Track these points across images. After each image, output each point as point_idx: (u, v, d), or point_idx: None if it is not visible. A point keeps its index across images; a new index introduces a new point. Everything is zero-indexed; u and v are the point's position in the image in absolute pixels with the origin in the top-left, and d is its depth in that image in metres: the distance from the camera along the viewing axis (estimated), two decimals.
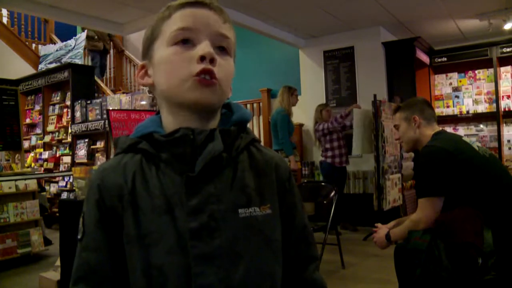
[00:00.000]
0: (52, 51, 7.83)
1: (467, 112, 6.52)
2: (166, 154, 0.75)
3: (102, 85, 7.68)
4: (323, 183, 4.27)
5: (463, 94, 6.62)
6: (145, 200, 0.73)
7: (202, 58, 0.74)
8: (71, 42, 7.65)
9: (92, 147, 6.34)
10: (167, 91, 0.78)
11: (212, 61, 0.75)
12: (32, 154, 7.37)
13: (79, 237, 0.76)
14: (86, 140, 6.38)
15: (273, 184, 0.82)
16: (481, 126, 6.47)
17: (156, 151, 0.76)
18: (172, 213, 0.72)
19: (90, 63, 8.17)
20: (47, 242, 4.83)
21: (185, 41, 0.76)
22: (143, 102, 5.33)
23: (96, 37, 7.88)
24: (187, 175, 0.73)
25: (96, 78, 7.47)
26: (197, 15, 0.77)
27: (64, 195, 6.55)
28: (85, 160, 6.30)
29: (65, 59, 7.43)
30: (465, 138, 2.20)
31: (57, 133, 7.15)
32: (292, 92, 5.46)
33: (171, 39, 0.76)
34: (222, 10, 0.81)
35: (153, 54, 0.80)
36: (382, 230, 2.27)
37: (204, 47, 0.75)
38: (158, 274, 0.70)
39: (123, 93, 6.58)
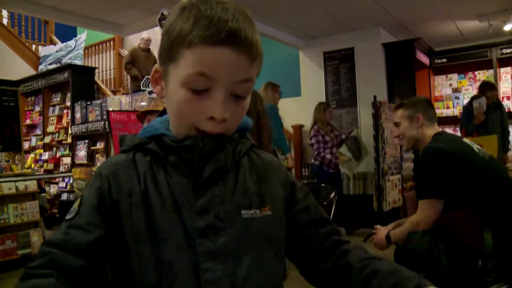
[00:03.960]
0: (52, 52, 7.84)
1: None
2: (174, 158, 0.77)
3: (102, 86, 7.68)
4: (322, 184, 4.27)
5: (463, 95, 6.63)
6: (156, 199, 0.75)
7: (212, 118, 0.73)
8: (71, 43, 7.66)
9: (92, 148, 6.35)
10: (173, 125, 0.81)
11: (223, 120, 0.74)
12: (32, 155, 7.39)
13: (69, 216, 0.75)
14: (86, 141, 6.39)
15: (275, 186, 0.86)
16: None
17: (164, 154, 0.78)
18: (180, 212, 0.75)
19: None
20: None
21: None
22: (143, 103, 5.34)
23: (141, 76, 6.72)
24: (194, 179, 0.76)
25: (96, 79, 7.46)
26: (221, 61, 0.70)
27: (64, 196, 6.56)
28: (85, 161, 6.31)
29: (65, 60, 7.44)
30: (465, 140, 2.20)
31: (57, 134, 7.16)
32: (276, 89, 5.11)
33: (186, 82, 0.72)
34: (253, 44, 0.72)
35: (168, 74, 0.76)
36: (381, 231, 2.27)
37: (216, 107, 0.72)
38: (168, 270, 0.72)
39: (123, 94, 6.58)
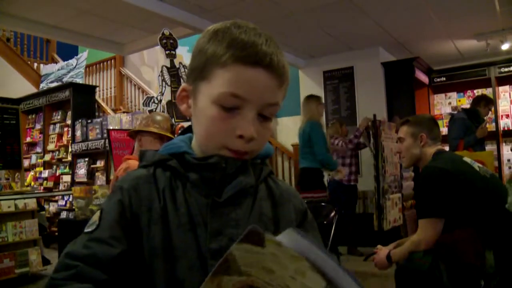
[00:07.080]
0: (53, 71, 7.88)
1: None
2: (195, 175, 0.78)
3: (103, 104, 7.71)
4: (323, 203, 4.24)
5: None
6: (173, 216, 0.76)
7: (241, 136, 0.75)
8: (73, 61, 7.71)
9: (92, 166, 6.35)
10: (202, 143, 0.80)
11: (250, 139, 0.75)
12: (32, 173, 7.37)
13: (90, 229, 0.74)
14: (86, 159, 6.39)
15: (290, 214, 0.86)
16: None
17: (185, 171, 0.79)
18: (195, 231, 0.75)
19: None
20: (46, 262, 4.79)
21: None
22: None
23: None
24: (213, 199, 0.76)
25: (97, 97, 7.49)
26: (254, 82, 0.73)
27: (64, 215, 6.52)
28: (85, 179, 6.30)
29: (66, 79, 7.47)
30: (466, 158, 2.20)
31: (57, 152, 7.16)
32: (320, 102, 4.74)
33: (218, 100, 0.74)
34: (284, 69, 0.77)
35: (198, 92, 0.78)
36: (382, 251, 2.25)
37: (246, 126, 0.74)
38: None
39: (124, 112, 6.60)
